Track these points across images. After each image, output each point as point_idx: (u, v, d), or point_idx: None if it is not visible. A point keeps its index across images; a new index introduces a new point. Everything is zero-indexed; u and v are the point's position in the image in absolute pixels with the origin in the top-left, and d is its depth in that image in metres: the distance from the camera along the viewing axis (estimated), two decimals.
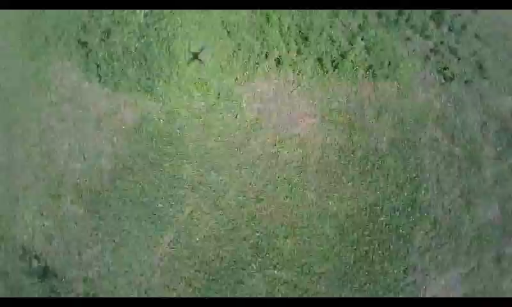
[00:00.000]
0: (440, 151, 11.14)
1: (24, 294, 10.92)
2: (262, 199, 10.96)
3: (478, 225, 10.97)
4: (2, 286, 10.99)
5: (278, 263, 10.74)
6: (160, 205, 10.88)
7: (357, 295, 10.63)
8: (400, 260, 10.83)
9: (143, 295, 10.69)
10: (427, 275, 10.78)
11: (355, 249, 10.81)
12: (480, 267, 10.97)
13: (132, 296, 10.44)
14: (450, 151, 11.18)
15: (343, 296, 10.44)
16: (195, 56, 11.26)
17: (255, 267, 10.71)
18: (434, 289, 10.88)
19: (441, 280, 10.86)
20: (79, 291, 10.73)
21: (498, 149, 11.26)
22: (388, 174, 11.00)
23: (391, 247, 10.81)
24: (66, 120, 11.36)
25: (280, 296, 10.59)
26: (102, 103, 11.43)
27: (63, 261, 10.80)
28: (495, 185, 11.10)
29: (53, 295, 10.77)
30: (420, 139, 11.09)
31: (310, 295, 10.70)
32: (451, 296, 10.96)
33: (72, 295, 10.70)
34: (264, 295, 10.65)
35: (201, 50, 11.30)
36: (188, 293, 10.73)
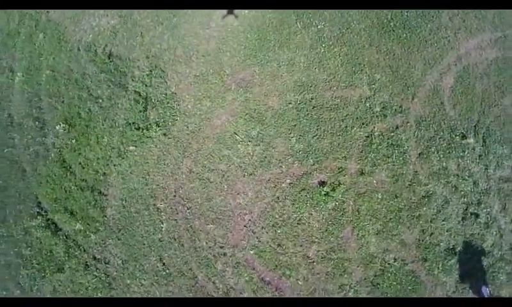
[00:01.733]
0: None
1: (88, 81, 5.85)
2: None
3: None
4: (65, 80, 5.93)
5: (321, 21, 5.90)
6: None
7: (394, 45, 5.54)
8: (432, 19, 5.91)
9: (200, 60, 5.73)
10: (457, 34, 5.85)
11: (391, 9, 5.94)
12: (506, 37, 5.92)
13: (189, 63, 5.59)
14: None
15: (381, 41, 5.42)
16: None
17: (299, 26, 5.88)
18: (468, 46, 5.77)
19: (473, 40, 5.83)
20: (142, 66, 5.82)
21: None
22: None
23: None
24: None
25: (322, 49, 5.62)
26: None
27: (127, 46, 6.02)
28: None
29: (116, 74, 5.78)
30: None
31: (352, 45, 5.66)
32: (484, 56, 5.68)
33: (136, 72, 5.72)
34: (308, 48, 5.63)
35: None
36: (240, 51, 5.74)
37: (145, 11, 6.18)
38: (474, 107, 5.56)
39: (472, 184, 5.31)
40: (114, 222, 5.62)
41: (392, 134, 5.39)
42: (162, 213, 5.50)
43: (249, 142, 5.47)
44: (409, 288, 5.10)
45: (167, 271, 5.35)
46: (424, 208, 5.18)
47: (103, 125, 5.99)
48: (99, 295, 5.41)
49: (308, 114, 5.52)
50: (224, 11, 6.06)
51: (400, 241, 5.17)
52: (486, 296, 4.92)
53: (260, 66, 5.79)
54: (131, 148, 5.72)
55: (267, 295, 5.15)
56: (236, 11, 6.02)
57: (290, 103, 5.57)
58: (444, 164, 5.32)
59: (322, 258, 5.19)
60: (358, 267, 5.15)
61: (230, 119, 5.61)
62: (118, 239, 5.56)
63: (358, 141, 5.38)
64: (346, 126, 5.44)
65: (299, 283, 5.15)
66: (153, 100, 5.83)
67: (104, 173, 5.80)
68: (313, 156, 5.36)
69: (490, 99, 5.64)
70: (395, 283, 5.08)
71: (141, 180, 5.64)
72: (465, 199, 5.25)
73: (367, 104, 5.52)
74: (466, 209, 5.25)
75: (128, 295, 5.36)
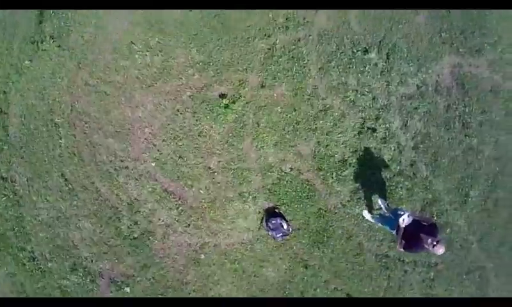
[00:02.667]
0: None
1: None
2: None
3: None
4: None
5: None
6: None
7: None
8: None
9: None
10: None
11: None
12: None
13: None
14: None
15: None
16: None
17: None
18: None
19: None
20: None
21: None
22: None
23: None
24: None
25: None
26: None
27: None
28: None
29: None
30: None
31: None
32: None
33: None
34: None
35: None
36: None
37: None
38: (382, 22, 5.07)
39: (371, 99, 4.98)
40: (15, 140, 5.01)
41: (294, 47, 4.90)
42: (60, 129, 4.86)
43: (147, 52, 4.81)
44: (304, 195, 4.99)
45: (70, 186, 4.92)
46: (321, 122, 4.88)
47: (3, 42, 5.32)
48: (9, 213, 5.17)
49: (209, 23, 4.86)
50: None
51: (297, 152, 4.85)
52: (383, 207, 4.84)
53: None
54: (26, 62, 4.95)
55: (170, 205, 5.10)
56: None
57: (190, 11, 4.84)
58: (343, 78, 4.94)
59: (223, 168, 4.88)
60: (256, 176, 4.91)
61: (127, 27, 4.86)
62: (21, 157, 5.04)
63: (260, 53, 4.85)
64: (248, 37, 4.87)
65: (201, 191, 4.97)
66: (48, 11, 5.10)
67: (4, 91, 5.16)
68: (213, 67, 4.83)
69: (402, 16, 5.11)
70: (290, 190, 4.83)
71: (38, 96, 4.93)
72: (363, 114, 4.95)
73: (270, 15, 4.90)
74: (363, 123, 4.95)
75: (35, 212, 5.14)
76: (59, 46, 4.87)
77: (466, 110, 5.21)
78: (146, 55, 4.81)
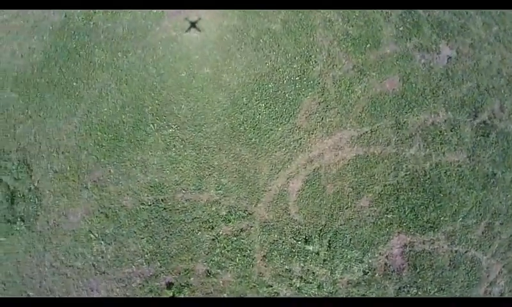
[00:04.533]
0: (333, 30, 5.86)
1: None
2: (163, 73, 5.90)
3: (372, 94, 5.61)
4: None
5: (174, 125, 5.63)
6: (75, 84, 5.95)
7: (243, 149, 5.38)
8: (285, 120, 5.54)
9: (60, 156, 5.58)
10: (311, 135, 5.43)
11: (244, 111, 5.62)
12: (374, 132, 5.43)
13: (51, 158, 5.50)
14: (345, 31, 5.84)
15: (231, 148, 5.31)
16: None
17: (153, 128, 5.61)
18: (321, 147, 5.41)
19: (329, 140, 5.39)
20: (13, 159, 5.69)
21: (400, 29, 5.66)
22: (279, 50, 5.86)
23: (277, 109, 5.59)
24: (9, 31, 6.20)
25: (173, 153, 5.42)
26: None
27: (1, 139, 5.79)
28: (396, 60, 5.64)
29: None
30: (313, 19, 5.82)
31: (202, 149, 5.45)
32: (341, 156, 5.31)
33: (8, 165, 5.62)
34: (161, 150, 5.44)
35: None
36: (96, 149, 5.59)
37: (17, 103, 5.91)
38: (322, 211, 5.15)
39: (316, 287, 5.02)
40: None
41: (235, 238, 5.12)
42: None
43: (102, 241, 5.29)
44: None
45: None
46: None
47: None
48: None
49: (158, 215, 5.26)
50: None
51: None
52: None
53: (114, 166, 5.52)
54: (2, 239, 5.85)
55: None
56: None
57: (142, 204, 5.31)
58: (287, 266, 5.04)
59: None
60: None
61: (85, 217, 5.39)
62: None
63: (205, 243, 5.13)
64: (193, 230, 5.17)
65: None
66: (19, 194, 5.58)
67: None
68: (160, 258, 5.15)
69: (342, 201, 5.19)
70: None
71: (13, 268, 5.74)
72: None
73: (214, 208, 5.20)
74: None
75: None
76: (29, 228, 5.49)
77: (419, 293, 5.06)
78: (101, 243, 5.28)
